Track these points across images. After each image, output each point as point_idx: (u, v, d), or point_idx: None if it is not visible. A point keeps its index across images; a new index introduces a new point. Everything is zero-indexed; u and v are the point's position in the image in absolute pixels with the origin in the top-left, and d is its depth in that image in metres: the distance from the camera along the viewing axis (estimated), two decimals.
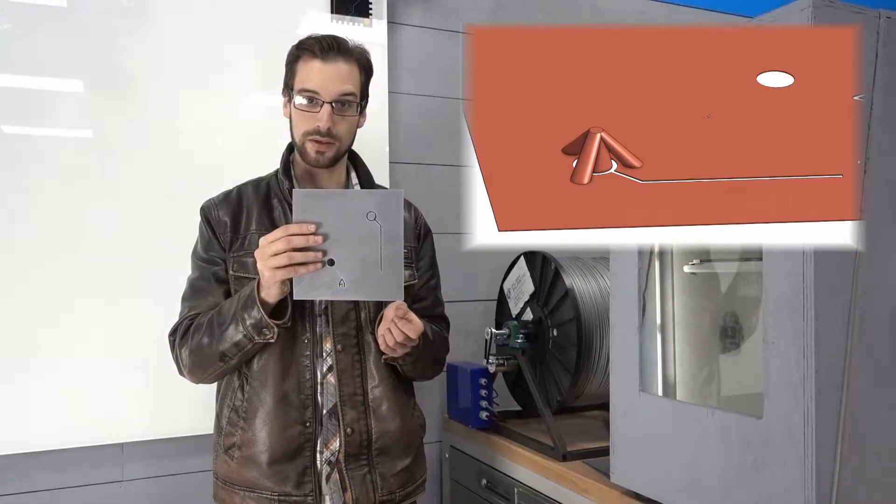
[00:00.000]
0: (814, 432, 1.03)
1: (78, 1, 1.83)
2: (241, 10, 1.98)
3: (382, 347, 1.44)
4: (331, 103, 1.44)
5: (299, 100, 1.45)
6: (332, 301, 1.45)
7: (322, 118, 1.43)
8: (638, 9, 2.57)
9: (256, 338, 1.38)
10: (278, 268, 1.28)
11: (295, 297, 1.32)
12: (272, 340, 1.39)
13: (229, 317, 1.39)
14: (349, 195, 1.30)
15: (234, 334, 1.38)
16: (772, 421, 1.09)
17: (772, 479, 1.09)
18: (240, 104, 1.97)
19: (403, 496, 1.54)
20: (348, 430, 1.45)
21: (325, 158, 1.47)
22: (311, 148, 1.46)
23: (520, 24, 2.39)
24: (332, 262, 1.27)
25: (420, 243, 1.62)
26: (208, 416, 1.57)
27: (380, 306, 1.49)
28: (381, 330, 1.42)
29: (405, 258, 1.56)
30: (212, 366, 1.43)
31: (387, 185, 2.01)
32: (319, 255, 1.27)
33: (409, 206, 1.65)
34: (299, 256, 1.27)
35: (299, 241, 1.26)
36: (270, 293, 1.34)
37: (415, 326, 1.40)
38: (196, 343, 1.42)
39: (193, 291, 1.50)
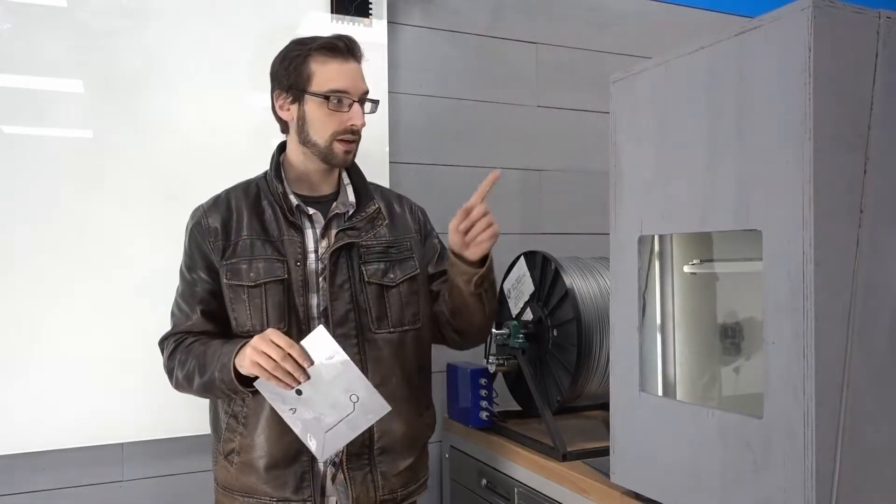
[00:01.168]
0: (814, 432, 1.02)
1: (78, 1, 1.83)
2: (240, 11, 1.98)
3: (469, 251, 1.44)
4: (359, 102, 1.46)
5: (333, 100, 1.44)
6: (330, 301, 1.45)
7: (356, 116, 1.46)
8: (638, 9, 2.57)
9: (233, 395, 1.43)
10: (259, 365, 1.31)
11: (255, 384, 1.37)
12: (248, 398, 1.44)
13: (208, 371, 1.41)
14: (351, 370, 1.34)
15: (212, 388, 1.42)
16: (772, 421, 1.09)
17: (772, 479, 1.09)
18: (240, 104, 1.97)
19: (405, 495, 1.54)
20: None
21: (350, 157, 1.50)
22: (339, 148, 1.47)
23: (520, 24, 2.40)
24: (299, 392, 1.34)
25: (422, 237, 1.62)
26: (208, 416, 1.57)
27: (382, 306, 1.50)
28: (465, 229, 1.41)
29: (406, 250, 1.56)
30: (197, 396, 1.49)
31: (387, 185, 2.01)
32: (295, 385, 1.32)
33: (399, 199, 1.65)
34: (280, 373, 1.31)
35: (289, 366, 1.30)
36: (242, 369, 1.36)
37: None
38: (183, 375, 1.46)
39: (178, 308, 1.53)
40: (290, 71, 1.47)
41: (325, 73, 1.45)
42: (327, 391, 1.34)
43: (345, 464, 1.46)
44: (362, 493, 1.47)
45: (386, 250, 1.53)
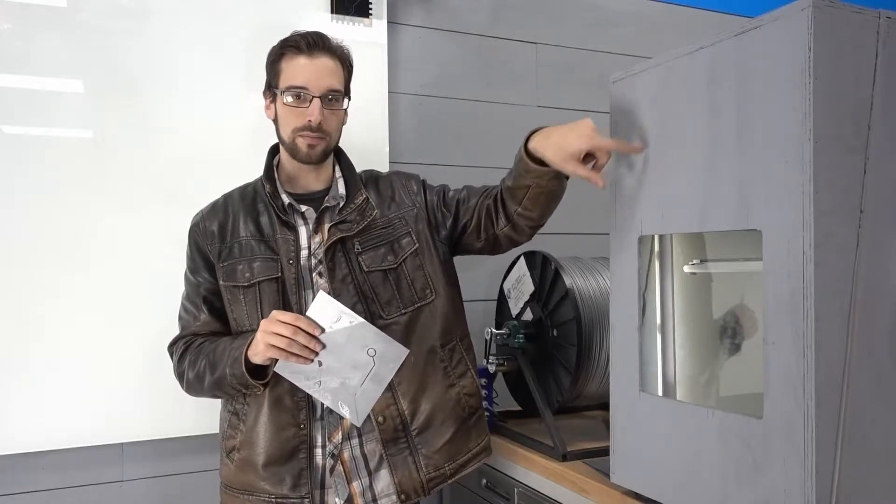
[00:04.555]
0: (814, 432, 1.03)
1: (78, 1, 1.83)
2: (241, 10, 1.98)
3: (592, 173, 1.34)
4: (320, 97, 1.45)
5: (288, 97, 1.45)
6: (335, 297, 1.45)
7: (313, 112, 1.44)
8: (637, 9, 2.57)
9: (244, 390, 1.43)
10: (274, 346, 1.32)
11: (274, 369, 1.37)
12: (259, 392, 1.44)
13: (218, 368, 1.42)
14: (362, 326, 1.36)
15: (223, 384, 1.43)
16: (772, 421, 1.09)
17: (772, 479, 1.09)
18: (240, 104, 1.97)
19: (455, 469, 1.54)
20: (379, 419, 1.46)
21: (316, 153, 1.48)
22: (301, 143, 1.47)
23: (520, 24, 2.40)
24: (320, 364, 1.36)
25: (420, 201, 1.60)
26: (209, 415, 1.58)
27: (389, 290, 1.50)
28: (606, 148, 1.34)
29: (402, 226, 1.55)
30: (207, 397, 1.50)
31: None
32: (314, 355, 1.34)
33: (388, 177, 1.64)
34: (296, 349, 1.32)
35: (302, 339, 1.32)
36: (257, 358, 1.37)
37: None
38: (194, 375, 1.46)
39: (185, 311, 1.55)
40: (268, 70, 1.51)
41: (289, 71, 1.46)
42: (345, 353, 1.36)
43: (384, 450, 1.47)
44: (405, 476, 1.47)
45: (381, 234, 1.54)
